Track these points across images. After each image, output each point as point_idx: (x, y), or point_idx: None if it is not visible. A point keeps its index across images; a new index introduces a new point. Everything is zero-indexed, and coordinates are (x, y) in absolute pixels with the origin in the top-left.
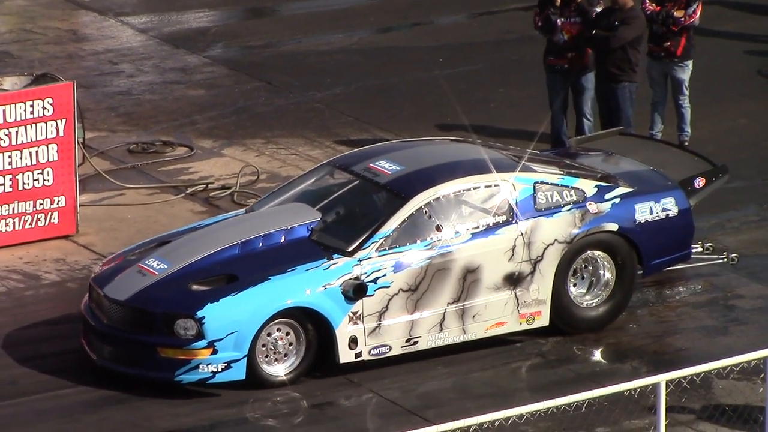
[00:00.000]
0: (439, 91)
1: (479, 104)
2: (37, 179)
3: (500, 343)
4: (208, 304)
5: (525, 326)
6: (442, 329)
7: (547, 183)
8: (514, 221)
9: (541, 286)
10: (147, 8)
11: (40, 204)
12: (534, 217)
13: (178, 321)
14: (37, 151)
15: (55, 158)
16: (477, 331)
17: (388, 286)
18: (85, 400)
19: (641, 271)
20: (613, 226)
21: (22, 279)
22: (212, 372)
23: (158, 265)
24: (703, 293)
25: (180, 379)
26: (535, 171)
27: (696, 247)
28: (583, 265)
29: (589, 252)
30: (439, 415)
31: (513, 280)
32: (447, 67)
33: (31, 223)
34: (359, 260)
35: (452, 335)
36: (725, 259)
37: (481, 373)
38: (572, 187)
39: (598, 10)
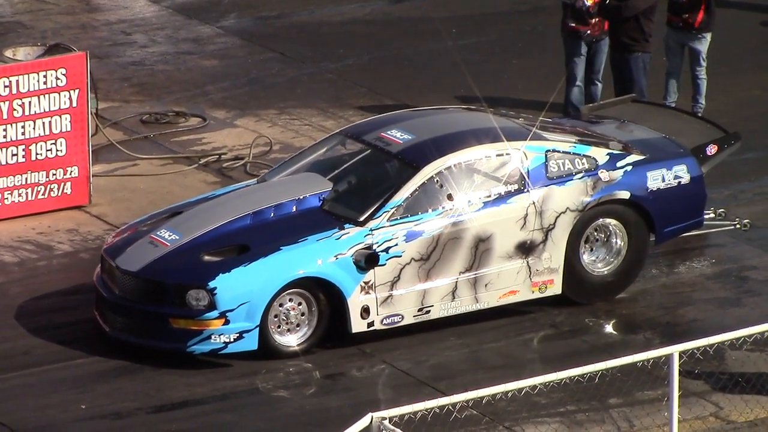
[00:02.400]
0: (453, 62)
1: (492, 75)
2: (50, 149)
3: (513, 314)
4: (220, 274)
5: (537, 294)
6: (454, 298)
7: (558, 151)
8: (525, 190)
9: (554, 255)
10: None
11: (53, 174)
12: (546, 186)
13: (190, 292)
14: (50, 122)
15: (68, 128)
16: (489, 299)
17: (400, 256)
18: (98, 371)
19: (654, 239)
20: (625, 194)
21: (35, 249)
22: (224, 342)
23: (170, 236)
24: (716, 264)
25: (192, 350)
26: (547, 139)
27: (708, 213)
28: (595, 233)
29: (601, 220)
30: (452, 386)
31: (525, 249)
32: (460, 38)
33: (43, 194)
34: (371, 230)
35: (465, 304)
36: (737, 225)
37: (493, 344)
38: (584, 156)
39: None
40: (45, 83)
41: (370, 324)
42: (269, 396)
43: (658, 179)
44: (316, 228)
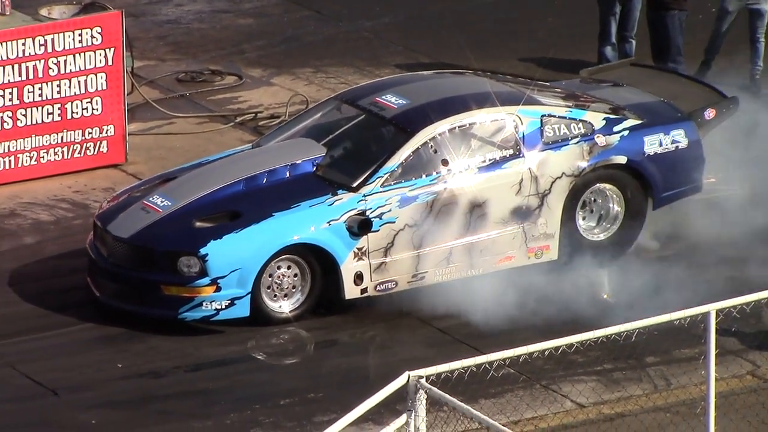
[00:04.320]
0: (488, 20)
1: (528, 33)
2: (86, 108)
3: (549, 272)
4: (211, 241)
5: (534, 260)
6: (449, 264)
7: (554, 116)
8: (520, 155)
9: (549, 220)
10: None
11: (89, 133)
12: (541, 151)
13: (181, 258)
14: (86, 80)
15: (104, 87)
16: (485, 265)
17: (394, 222)
18: (134, 329)
19: (651, 204)
20: (622, 159)
21: (71, 208)
22: (216, 309)
23: (162, 202)
24: (754, 223)
25: (183, 317)
26: (543, 104)
27: (711, 179)
28: (592, 199)
29: (597, 185)
30: (489, 345)
31: (520, 215)
32: None
33: (79, 152)
34: (364, 195)
35: (459, 270)
36: (739, 190)
37: (530, 303)
38: (580, 120)
39: None
40: (80, 42)
41: (364, 290)
42: (307, 355)
43: (655, 144)
44: (309, 194)
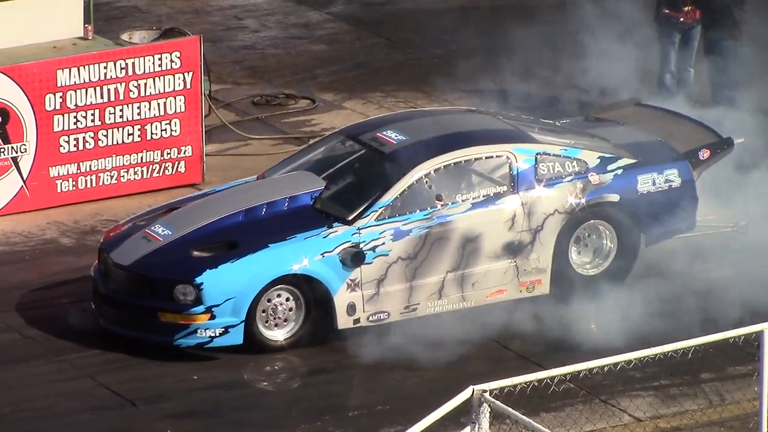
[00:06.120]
0: (552, 50)
1: (591, 62)
2: (165, 129)
3: (610, 290)
4: (207, 270)
5: (525, 294)
6: (441, 297)
7: (549, 154)
8: (514, 191)
9: (541, 255)
10: None
11: (168, 153)
12: (535, 188)
13: (178, 287)
14: (165, 103)
15: (183, 109)
16: (476, 298)
17: (387, 255)
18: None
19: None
20: (615, 197)
21: None
22: (210, 337)
23: (163, 231)
24: None
25: (179, 343)
26: (539, 142)
27: (711, 217)
28: (587, 234)
29: (590, 222)
30: (550, 360)
31: (513, 249)
32: (560, 26)
33: (158, 172)
34: (358, 229)
35: (451, 302)
36: (734, 227)
37: (589, 320)
38: (575, 158)
39: None
40: (160, 66)
41: (356, 321)
42: (373, 368)
43: (648, 183)
44: (306, 226)
